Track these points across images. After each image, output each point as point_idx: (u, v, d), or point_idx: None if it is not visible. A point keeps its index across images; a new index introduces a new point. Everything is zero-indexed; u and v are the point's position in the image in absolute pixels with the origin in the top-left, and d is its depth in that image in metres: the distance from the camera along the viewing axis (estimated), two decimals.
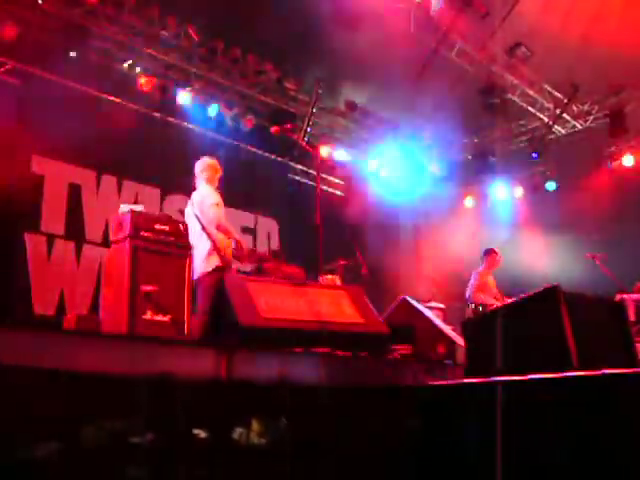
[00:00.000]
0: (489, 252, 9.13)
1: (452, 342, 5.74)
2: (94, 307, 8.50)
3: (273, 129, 6.41)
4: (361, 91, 11.17)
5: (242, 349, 3.64)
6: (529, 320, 4.03)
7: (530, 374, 3.42)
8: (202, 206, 6.10)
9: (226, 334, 4.04)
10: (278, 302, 4.24)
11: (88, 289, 8.66)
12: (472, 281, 8.82)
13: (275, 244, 11.06)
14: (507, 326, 4.02)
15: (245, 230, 10.39)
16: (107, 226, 8.73)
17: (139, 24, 8.92)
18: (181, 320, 5.74)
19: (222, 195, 6.27)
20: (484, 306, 8.52)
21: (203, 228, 6.04)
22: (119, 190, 9.33)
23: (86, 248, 8.81)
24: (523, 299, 4.98)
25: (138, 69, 9.20)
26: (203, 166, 6.32)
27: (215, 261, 5.90)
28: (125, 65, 9.16)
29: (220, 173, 6.28)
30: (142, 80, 9.20)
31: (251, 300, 4.13)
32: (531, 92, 11.36)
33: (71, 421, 2.94)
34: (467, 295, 8.82)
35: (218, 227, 6.00)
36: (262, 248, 9.95)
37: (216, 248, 5.92)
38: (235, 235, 6.10)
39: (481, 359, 4.14)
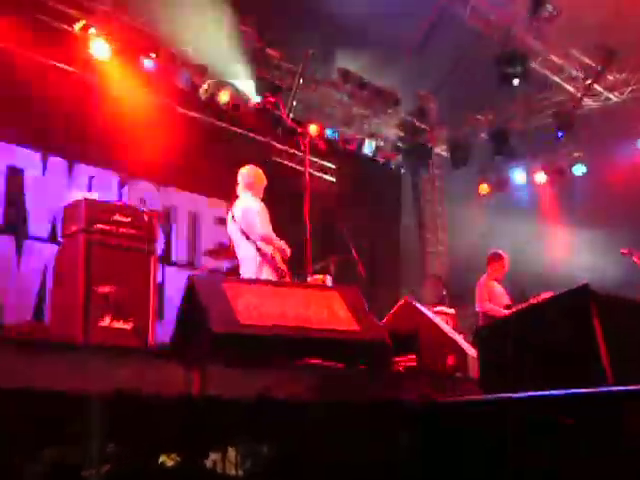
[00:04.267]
0: (494, 257, 9.16)
1: (463, 353, 5.79)
2: (38, 314, 8.47)
3: (253, 104, 6.44)
4: (356, 59, 11.19)
5: (217, 361, 3.66)
6: (553, 327, 4.06)
7: (553, 389, 3.45)
8: (247, 218, 6.56)
9: (198, 344, 4.05)
10: (259, 306, 4.26)
11: (31, 293, 8.62)
12: (477, 291, 8.92)
13: None
14: (527, 334, 4.06)
15: (219, 222, 10.38)
16: (55, 218, 8.71)
17: None
18: (145, 327, 5.77)
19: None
20: (494, 317, 8.58)
21: (248, 240, 6.49)
22: (70, 175, 9.31)
23: (28, 244, 8.77)
24: (545, 302, 5.02)
25: (92, 31, 9.15)
26: (248, 175, 6.82)
27: (268, 274, 6.35)
28: (77, 26, 9.12)
29: (266, 183, 6.79)
30: (97, 44, 9.15)
31: (228, 304, 4.15)
32: (557, 59, 11.39)
33: (10, 450, 2.95)
34: (476, 305, 8.92)
35: (262, 238, 6.47)
36: None
37: (267, 260, 6.41)
38: (277, 243, 6.54)
39: (496, 372, 4.18)
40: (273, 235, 6.59)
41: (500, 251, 9.24)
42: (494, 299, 8.91)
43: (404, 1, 9.61)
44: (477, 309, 8.94)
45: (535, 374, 3.90)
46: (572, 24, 10.42)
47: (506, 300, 8.94)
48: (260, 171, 6.92)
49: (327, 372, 4.14)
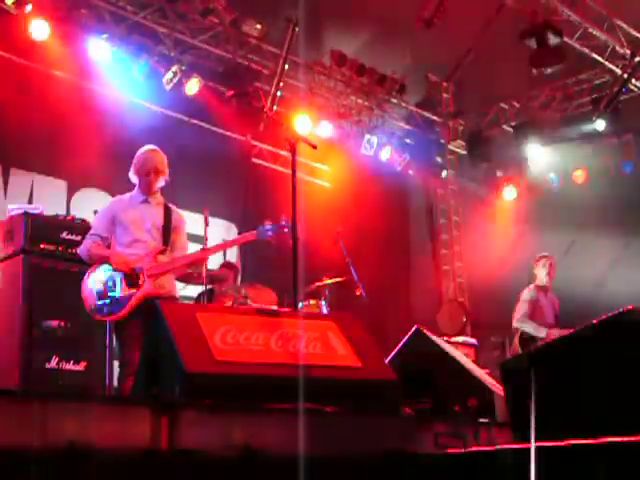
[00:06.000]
0: (541, 262, 9.13)
1: (488, 392, 5.80)
2: None
3: (228, 94, 6.45)
4: (351, 38, 11.25)
5: (190, 407, 3.68)
6: (596, 358, 4.09)
7: (600, 436, 3.48)
8: None
9: (167, 386, 4.07)
10: (241, 339, 4.29)
11: None
12: (520, 302, 8.84)
13: (233, 257, 11.09)
14: (565, 368, 4.09)
15: (191, 238, 10.36)
16: None
17: None
18: (100, 368, 5.79)
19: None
20: (532, 339, 8.58)
21: None
22: (5, 183, 9.32)
23: None
24: (587, 328, 5.05)
25: (29, 7, 9.19)
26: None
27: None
28: (9, 1, 9.14)
29: (148, 173, 6.30)
30: (35, 24, 9.19)
31: (202, 338, 4.17)
32: (598, 32, 11.43)
33: None
34: (513, 323, 8.83)
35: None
36: (214, 263, 9.99)
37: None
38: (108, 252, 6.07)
39: (529, 415, 4.20)
40: (87, 244, 6.15)
41: (546, 254, 9.17)
42: (540, 315, 8.83)
43: None
44: (513, 324, 8.80)
45: (578, 416, 3.93)
46: None
47: (551, 319, 8.85)
48: (148, 152, 6.46)
49: (323, 419, 4.16)
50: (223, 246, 6.99)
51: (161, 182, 6.39)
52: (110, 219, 6.18)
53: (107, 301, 5.77)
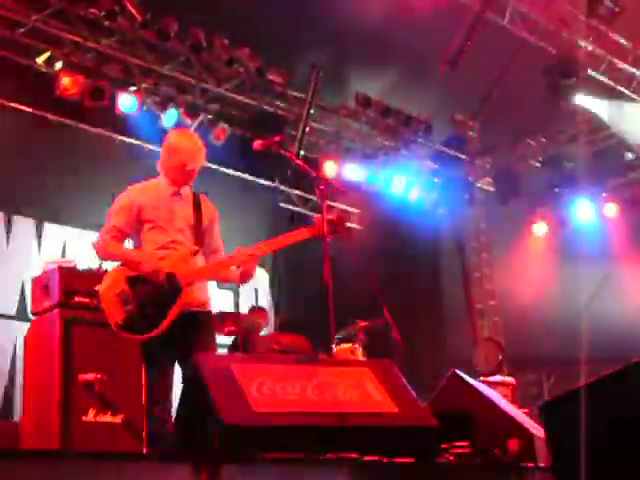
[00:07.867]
0: None
1: (528, 434, 5.73)
2: (5, 411, 8.45)
3: (256, 144, 6.39)
4: (376, 81, 11.30)
5: (230, 459, 3.66)
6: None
7: None
8: None
9: (206, 439, 4.06)
10: (277, 389, 4.27)
11: None
12: None
13: (266, 304, 11.08)
14: (607, 408, 4.03)
15: (221, 286, 10.38)
16: (23, 290, 8.75)
17: (57, 2, 9.07)
18: (138, 420, 5.78)
19: None
20: None
21: None
22: (39, 237, 9.39)
23: None
24: (629, 367, 4.98)
25: (59, 64, 9.33)
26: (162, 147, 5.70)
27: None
28: (40, 60, 9.28)
29: (191, 164, 5.54)
30: (65, 80, 9.30)
31: (239, 389, 4.16)
32: (622, 65, 11.43)
33: None
34: None
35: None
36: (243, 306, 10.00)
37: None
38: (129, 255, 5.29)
39: (572, 458, 4.14)
40: (107, 241, 5.25)
41: None
42: None
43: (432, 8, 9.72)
44: None
45: (623, 459, 3.87)
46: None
47: None
48: (193, 145, 5.64)
49: (364, 467, 4.12)
50: (273, 244, 5.75)
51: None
52: (135, 214, 5.31)
53: (137, 315, 4.98)
